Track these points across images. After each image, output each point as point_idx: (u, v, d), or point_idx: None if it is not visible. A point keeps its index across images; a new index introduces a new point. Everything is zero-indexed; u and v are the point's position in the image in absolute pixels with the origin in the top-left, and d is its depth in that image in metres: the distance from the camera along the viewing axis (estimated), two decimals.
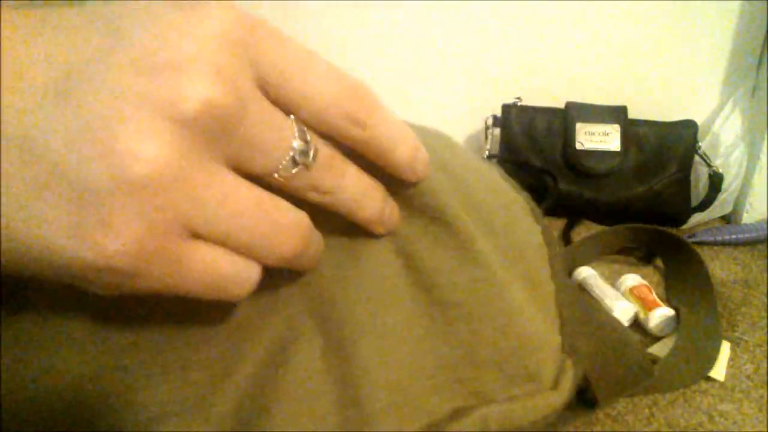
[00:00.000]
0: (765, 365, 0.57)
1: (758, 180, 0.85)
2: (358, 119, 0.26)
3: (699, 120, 0.87)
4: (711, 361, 0.56)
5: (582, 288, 0.66)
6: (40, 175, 0.20)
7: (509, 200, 0.39)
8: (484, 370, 0.32)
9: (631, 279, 0.66)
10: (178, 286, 0.23)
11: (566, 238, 0.80)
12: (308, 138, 0.25)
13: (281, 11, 0.98)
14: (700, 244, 0.80)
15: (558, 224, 0.85)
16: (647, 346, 0.58)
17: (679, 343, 0.56)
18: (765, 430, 0.49)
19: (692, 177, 0.87)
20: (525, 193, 0.41)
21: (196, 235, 0.23)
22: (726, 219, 0.89)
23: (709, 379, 0.55)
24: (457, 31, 0.94)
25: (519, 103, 0.89)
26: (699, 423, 0.49)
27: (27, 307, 0.27)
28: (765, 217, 0.86)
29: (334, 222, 0.30)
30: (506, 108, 0.89)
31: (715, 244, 0.81)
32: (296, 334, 0.30)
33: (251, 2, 0.98)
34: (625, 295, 0.64)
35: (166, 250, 0.22)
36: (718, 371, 0.55)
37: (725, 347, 0.58)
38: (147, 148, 0.20)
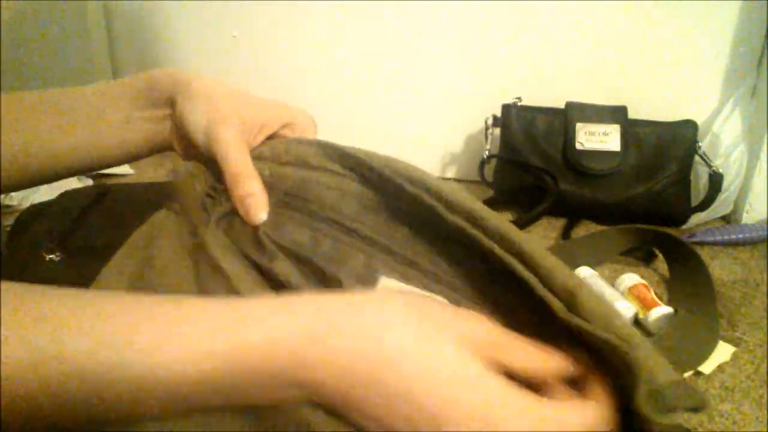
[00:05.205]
0: (765, 365, 0.57)
1: (758, 180, 0.85)
2: None
3: (699, 120, 0.87)
4: (702, 355, 0.56)
5: None
6: None
7: None
8: None
9: (630, 279, 0.66)
10: None
11: (566, 238, 0.80)
12: None
13: (281, 12, 0.98)
14: (700, 244, 0.80)
15: (558, 224, 0.85)
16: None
17: (668, 331, 0.56)
18: (765, 430, 0.49)
19: (692, 177, 0.87)
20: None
21: None
22: (726, 219, 0.89)
23: (699, 374, 0.55)
24: (458, 31, 0.94)
25: (519, 103, 0.89)
26: (699, 423, 0.49)
27: None
28: (765, 217, 0.86)
29: None
30: (506, 108, 0.89)
31: (715, 244, 0.81)
32: None
33: (256, 4, 0.99)
34: (624, 294, 0.64)
35: None
36: (707, 365, 0.56)
37: (726, 350, 0.58)
38: None
